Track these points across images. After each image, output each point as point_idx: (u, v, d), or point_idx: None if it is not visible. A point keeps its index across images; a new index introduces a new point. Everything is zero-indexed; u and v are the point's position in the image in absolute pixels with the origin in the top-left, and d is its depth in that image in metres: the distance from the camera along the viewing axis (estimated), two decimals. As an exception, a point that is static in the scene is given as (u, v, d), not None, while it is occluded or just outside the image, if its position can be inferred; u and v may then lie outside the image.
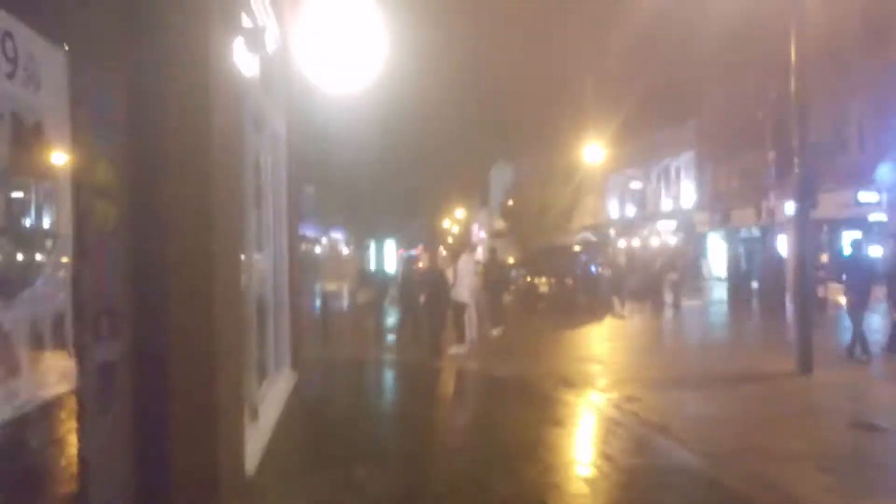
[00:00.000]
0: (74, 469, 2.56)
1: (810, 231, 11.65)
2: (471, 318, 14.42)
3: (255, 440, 4.99)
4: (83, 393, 2.60)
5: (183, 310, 3.29)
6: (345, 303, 17.64)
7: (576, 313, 20.14)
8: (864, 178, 22.76)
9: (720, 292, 27.89)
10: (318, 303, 17.25)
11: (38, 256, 2.35)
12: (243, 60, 5.63)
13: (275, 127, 7.09)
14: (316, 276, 16.75)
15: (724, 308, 23.09)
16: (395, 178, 31.12)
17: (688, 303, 23.86)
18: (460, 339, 13.81)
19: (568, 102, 43.11)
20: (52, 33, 2.41)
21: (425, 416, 8.80)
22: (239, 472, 4.07)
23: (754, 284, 23.37)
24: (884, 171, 21.66)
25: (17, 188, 2.25)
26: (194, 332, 3.33)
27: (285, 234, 7.85)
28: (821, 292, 19.61)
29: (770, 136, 21.60)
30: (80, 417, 2.58)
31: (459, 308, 13.95)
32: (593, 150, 38.33)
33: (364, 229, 35.66)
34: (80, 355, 2.57)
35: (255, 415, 5.38)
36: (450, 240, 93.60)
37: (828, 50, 23.12)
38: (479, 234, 72.75)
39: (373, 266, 25.48)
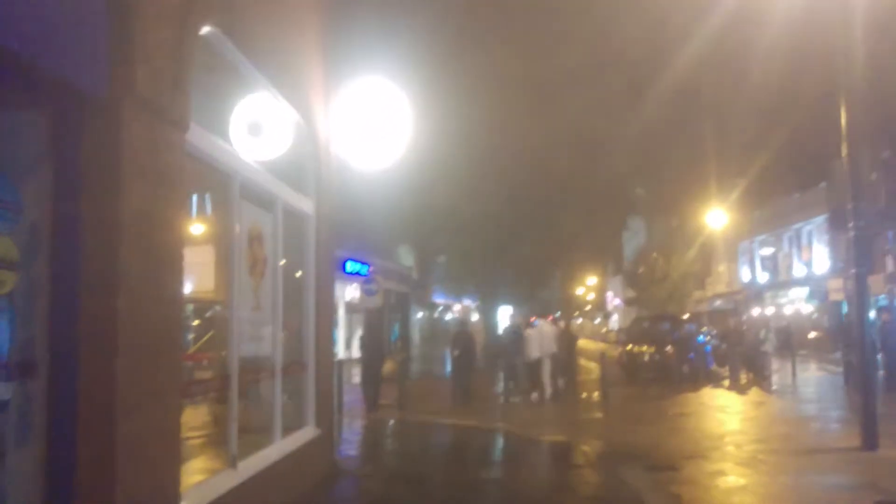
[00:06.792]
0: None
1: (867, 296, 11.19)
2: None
3: (219, 484, 5.58)
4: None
5: (93, 357, 3.95)
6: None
7: (673, 383, 19.68)
8: None
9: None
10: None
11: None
12: (242, 147, 6.48)
13: (292, 204, 7.85)
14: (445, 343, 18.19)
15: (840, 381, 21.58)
16: (525, 245, 31.39)
17: (816, 374, 22.86)
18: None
19: (696, 166, 42.40)
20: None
21: (437, 476, 9.11)
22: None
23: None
24: None
25: None
26: (101, 379, 3.98)
27: (312, 300, 8.55)
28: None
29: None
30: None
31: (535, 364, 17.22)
32: (717, 215, 37.50)
33: (490, 297, 36.26)
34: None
35: (233, 462, 6.00)
36: (587, 308, 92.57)
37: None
38: (613, 301, 71.37)
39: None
